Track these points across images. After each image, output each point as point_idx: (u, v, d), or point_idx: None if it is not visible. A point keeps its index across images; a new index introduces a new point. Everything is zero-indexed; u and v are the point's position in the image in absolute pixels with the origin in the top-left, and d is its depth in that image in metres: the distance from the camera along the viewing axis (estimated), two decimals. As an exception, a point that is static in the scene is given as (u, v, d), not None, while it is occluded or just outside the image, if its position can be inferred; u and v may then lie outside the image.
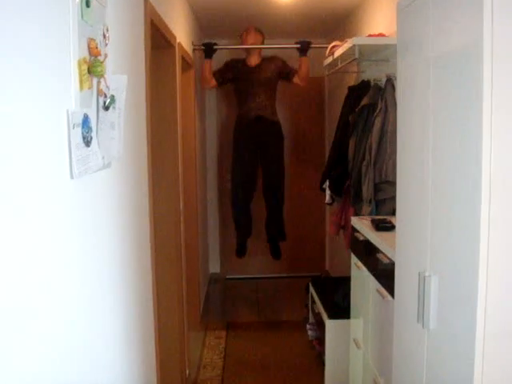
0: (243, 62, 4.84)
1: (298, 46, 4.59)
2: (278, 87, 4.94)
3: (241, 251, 5.09)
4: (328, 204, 4.32)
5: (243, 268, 6.12)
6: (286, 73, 4.80)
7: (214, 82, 4.79)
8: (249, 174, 4.91)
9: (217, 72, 4.80)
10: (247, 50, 4.79)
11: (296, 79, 4.77)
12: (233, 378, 3.83)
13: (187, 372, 3.63)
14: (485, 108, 1.30)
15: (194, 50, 4.43)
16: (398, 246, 2.00)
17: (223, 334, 4.62)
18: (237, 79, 4.83)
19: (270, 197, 4.98)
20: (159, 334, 2.47)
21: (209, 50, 4.57)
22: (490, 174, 1.31)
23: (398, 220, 2.00)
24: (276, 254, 5.08)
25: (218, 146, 6.12)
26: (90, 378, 1.46)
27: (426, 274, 1.64)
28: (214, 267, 6.18)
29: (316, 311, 4.07)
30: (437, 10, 1.60)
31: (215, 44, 4.58)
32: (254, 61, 4.80)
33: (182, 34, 3.64)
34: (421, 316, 1.66)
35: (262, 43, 4.80)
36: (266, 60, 4.83)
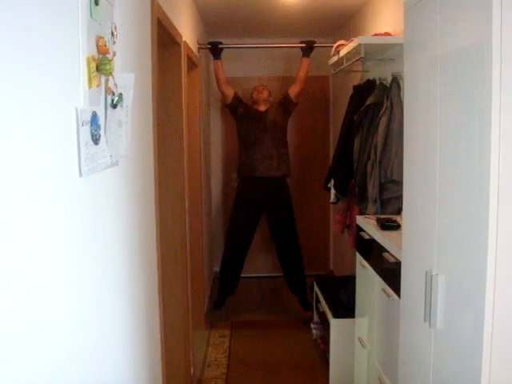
0: (252, 106, 4.81)
1: (303, 45, 4.59)
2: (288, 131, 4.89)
3: (219, 305, 4.95)
4: (333, 203, 4.32)
5: (247, 267, 6.08)
6: (285, 100, 4.75)
7: (230, 90, 4.73)
8: (247, 236, 4.83)
9: (235, 92, 4.77)
10: (253, 99, 4.78)
11: (291, 89, 4.72)
12: (237, 377, 3.83)
13: (192, 370, 3.64)
14: (493, 107, 1.30)
15: (199, 48, 4.43)
16: (404, 245, 1.99)
17: (227, 332, 4.62)
18: (245, 116, 4.74)
19: (284, 253, 4.90)
20: (164, 333, 2.48)
21: (215, 49, 4.57)
22: (499, 173, 1.31)
23: (405, 218, 2.00)
24: (305, 305, 4.91)
25: (224, 145, 6.12)
26: (99, 377, 1.47)
27: (433, 272, 1.64)
28: (219, 266, 6.16)
29: (321, 310, 4.07)
30: (444, 9, 1.59)
31: (221, 43, 4.58)
32: (262, 108, 4.77)
33: (187, 32, 3.65)
34: (427, 315, 1.66)
35: (269, 97, 4.80)
36: (270, 105, 4.81)
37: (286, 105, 4.75)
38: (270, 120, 4.69)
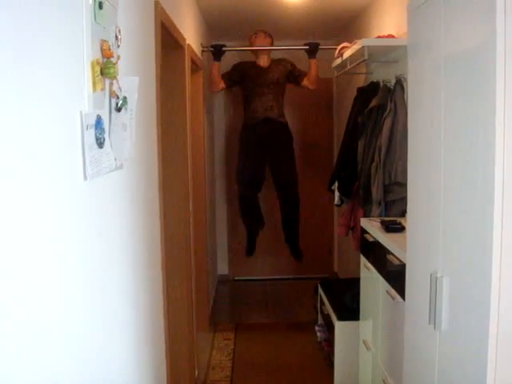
0: (252, 63, 4.84)
1: (307, 47, 4.59)
2: (287, 89, 4.93)
3: (249, 250, 5.10)
4: (337, 205, 4.32)
5: (251, 269, 6.12)
6: (294, 76, 4.80)
7: (222, 85, 4.78)
8: (255, 175, 4.89)
9: (225, 74, 4.80)
10: (256, 52, 4.79)
11: (305, 82, 4.77)
12: (241, 380, 3.83)
13: (196, 373, 3.64)
14: (498, 109, 1.30)
15: (202, 51, 4.44)
16: (409, 247, 1.99)
17: (232, 335, 4.62)
18: (244, 81, 4.82)
19: (284, 199, 4.98)
20: (169, 335, 2.48)
21: (218, 52, 4.58)
22: (503, 174, 1.31)
23: (410, 221, 1.99)
24: (296, 254, 5.11)
25: (227, 147, 6.12)
26: (103, 379, 1.47)
27: (438, 275, 1.63)
28: (223, 269, 6.18)
29: (325, 313, 4.06)
30: (448, 11, 1.59)
31: (224, 46, 4.59)
32: (263, 62, 4.80)
33: (191, 35, 3.65)
34: (432, 317, 1.66)
35: (271, 46, 4.81)
36: (274, 62, 4.83)
37: (293, 77, 4.80)
38: (273, 77, 4.75)
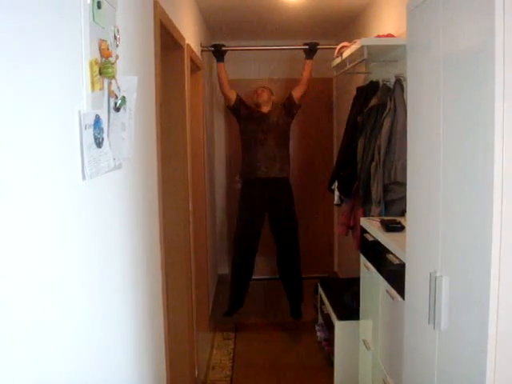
0: (254, 108, 4.81)
1: (306, 47, 4.59)
2: (291, 133, 4.89)
3: (230, 311, 4.87)
4: (336, 205, 4.32)
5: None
6: (288, 101, 4.75)
7: (233, 93, 4.74)
8: (253, 238, 4.81)
9: (238, 94, 4.78)
10: (257, 101, 4.78)
11: (295, 91, 4.71)
12: (241, 379, 3.83)
13: (196, 372, 3.64)
14: (497, 108, 1.30)
15: (202, 51, 4.44)
16: (408, 247, 1.99)
17: (232, 335, 4.62)
18: (246, 121, 4.74)
19: (285, 264, 4.87)
20: (169, 335, 2.48)
21: (218, 52, 4.58)
22: (502, 174, 1.31)
23: (409, 220, 1.99)
24: (295, 314, 4.86)
25: (227, 146, 6.13)
26: (103, 379, 1.47)
27: (437, 274, 1.63)
28: (223, 268, 6.17)
29: (325, 312, 4.06)
30: (447, 10, 1.59)
31: (223, 45, 4.59)
32: (264, 109, 4.77)
33: (190, 35, 3.65)
34: (432, 317, 1.66)
35: (271, 96, 4.80)
36: (273, 106, 4.80)
37: (289, 107, 4.74)
38: (273, 121, 4.68)
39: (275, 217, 4.81)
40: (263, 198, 4.73)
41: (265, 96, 4.74)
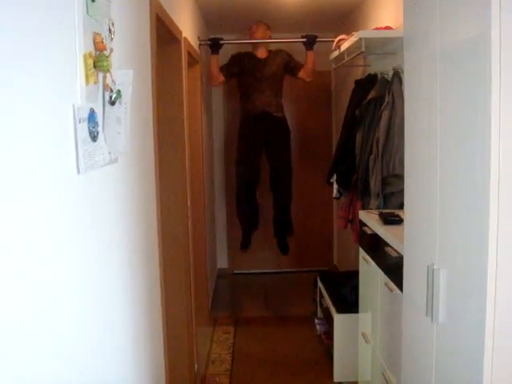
0: (250, 54, 4.81)
1: (305, 39, 4.58)
2: (285, 81, 4.91)
3: (245, 244, 5.06)
4: (335, 198, 4.32)
5: (251, 263, 6.12)
6: (291, 67, 4.78)
7: (222, 78, 4.75)
8: (253, 169, 4.88)
9: (223, 67, 4.77)
10: (254, 43, 4.77)
11: (302, 74, 4.76)
12: (241, 373, 3.83)
13: (196, 367, 3.64)
14: (493, 101, 1.29)
15: (199, 44, 4.42)
16: (406, 240, 1.99)
17: (231, 329, 4.62)
18: (242, 73, 4.79)
19: (277, 192, 4.96)
20: (168, 330, 2.48)
21: (215, 45, 4.56)
22: (499, 166, 1.30)
23: (407, 213, 1.99)
24: (283, 248, 5.05)
25: (225, 141, 6.12)
26: (102, 374, 1.47)
27: (435, 267, 1.63)
28: (222, 262, 6.18)
29: (324, 306, 4.06)
30: (444, 3, 1.58)
31: (221, 39, 4.57)
32: (261, 54, 4.78)
33: (187, 28, 3.64)
34: (429, 309, 1.65)
35: (270, 38, 4.79)
36: (272, 53, 4.81)
37: (289, 68, 4.79)
38: (271, 70, 4.73)
39: (272, 147, 4.88)
40: (261, 129, 4.81)
41: (259, 32, 4.72)
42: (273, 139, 4.84)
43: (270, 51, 4.82)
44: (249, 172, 4.89)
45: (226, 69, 4.77)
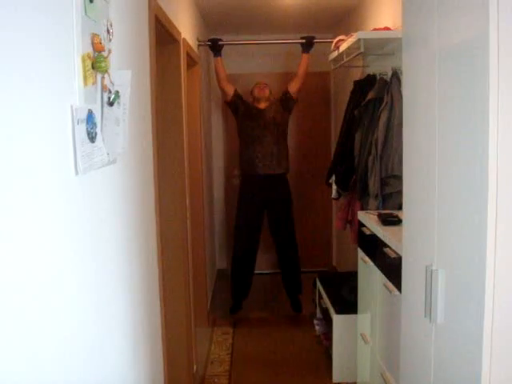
0: (252, 104, 4.80)
1: (303, 41, 4.58)
2: (288, 131, 4.91)
3: (235, 309, 4.95)
4: (334, 199, 4.32)
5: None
6: (284, 93, 4.76)
7: (231, 87, 4.73)
8: (252, 238, 4.84)
9: (236, 89, 4.77)
10: (254, 97, 4.79)
11: (291, 85, 4.73)
12: (240, 374, 3.83)
13: (195, 368, 3.64)
14: (491, 101, 1.29)
15: (198, 45, 4.42)
16: (404, 240, 1.99)
17: (230, 329, 4.62)
18: (244, 118, 4.74)
19: (283, 256, 4.90)
20: (166, 331, 2.48)
21: (215, 46, 4.56)
22: (497, 166, 1.30)
23: (405, 214, 1.99)
24: (296, 307, 4.94)
25: (225, 141, 6.12)
26: (100, 374, 1.47)
27: (433, 267, 1.63)
28: (221, 263, 6.18)
29: (323, 306, 4.06)
30: (442, 4, 1.58)
31: (220, 40, 4.57)
32: (261, 106, 4.76)
33: (186, 29, 3.64)
34: (428, 310, 1.65)
35: (270, 94, 4.81)
36: (270, 102, 4.80)
37: (285, 102, 4.74)
38: (270, 117, 4.68)
39: (273, 213, 4.84)
40: (261, 194, 4.75)
41: (266, 92, 4.76)
42: (274, 203, 4.80)
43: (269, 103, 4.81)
44: (248, 240, 4.84)
45: (236, 90, 4.76)
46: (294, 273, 4.90)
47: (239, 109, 4.75)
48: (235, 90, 4.74)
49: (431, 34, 1.67)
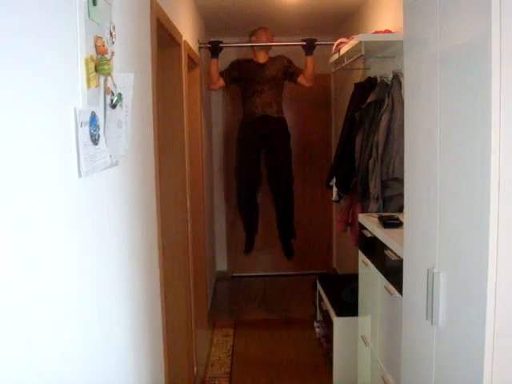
0: (250, 60, 4.83)
1: (304, 43, 4.58)
2: (285, 86, 4.92)
3: (249, 247, 5.07)
4: (335, 201, 4.32)
5: (250, 266, 6.12)
6: (290, 72, 4.79)
7: (221, 82, 4.75)
8: (253, 172, 4.89)
9: (224, 72, 4.78)
10: (255, 48, 4.78)
11: (301, 79, 4.77)
12: (240, 376, 3.83)
13: (195, 370, 3.64)
14: (493, 104, 1.29)
15: (199, 48, 4.42)
16: (406, 243, 1.99)
17: (231, 331, 4.62)
18: (243, 79, 4.80)
19: (278, 196, 4.96)
20: (167, 333, 2.48)
21: (215, 49, 4.56)
22: (499, 170, 1.31)
23: (407, 216, 1.99)
24: (288, 252, 5.07)
25: (225, 144, 6.12)
26: (101, 376, 1.47)
27: (435, 270, 1.63)
28: (221, 265, 6.18)
29: (324, 309, 4.06)
30: (444, 6, 1.59)
31: (221, 42, 4.57)
32: (261, 59, 4.78)
33: (187, 32, 3.64)
34: (429, 313, 1.66)
35: (270, 39, 4.79)
36: (271, 59, 4.82)
37: (288, 74, 4.81)
38: (271, 74, 4.74)
39: (272, 155, 4.89)
40: (260, 133, 4.82)
41: (264, 36, 4.74)
42: (272, 141, 4.85)
43: (270, 57, 4.83)
44: (248, 175, 4.90)
45: (226, 73, 4.78)
46: (288, 216, 4.98)
47: (237, 78, 4.82)
48: (225, 78, 4.77)
49: (433, 36, 1.68)
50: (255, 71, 4.75)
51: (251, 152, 4.86)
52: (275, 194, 4.98)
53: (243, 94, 4.88)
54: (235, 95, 5.21)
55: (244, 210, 5.02)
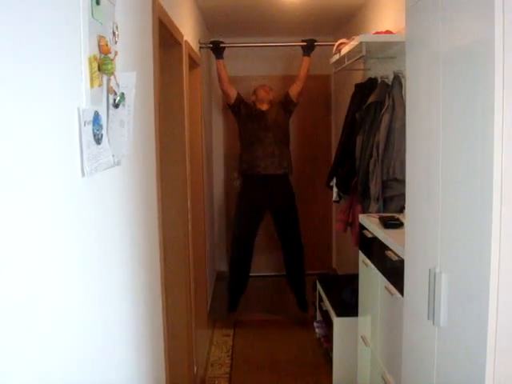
0: (253, 106, 4.79)
1: (304, 43, 4.58)
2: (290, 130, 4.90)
3: (233, 307, 4.90)
4: (335, 202, 4.32)
5: (251, 266, 6.11)
6: (284, 96, 4.77)
7: (233, 90, 4.71)
8: (250, 235, 4.82)
9: (239, 93, 4.76)
10: (257, 98, 4.77)
11: (292, 88, 4.72)
12: (240, 376, 3.83)
13: (195, 369, 3.64)
14: (496, 105, 1.30)
15: (200, 48, 4.43)
16: (407, 243, 1.99)
17: (230, 331, 4.62)
18: (245, 119, 4.73)
19: (290, 256, 4.87)
20: (168, 332, 2.48)
21: (217, 49, 4.56)
22: (502, 170, 1.31)
23: (408, 216, 1.99)
24: (302, 305, 4.91)
25: (225, 143, 6.12)
26: (102, 376, 1.47)
27: (437, 270, 1.63)
28: (221, 265, 6.18)
29: (323, 309, 4.06)
30: (446, 7, 1.59)
31: (222, 42, 4.58)
32: (263, 107, 4.76)
33: (188, 32, 3.65)
34: (431, 313, 1.66)
35: (272, 98, 4.81)
36: (271, 105, 4.80)
37: (286, 104, 4.74)
38: (272, 119, 4.68)
39: (277, 214, 4.81)
40: (262, 194, 4.73)
41: (270, 95, 4.76)
42: (276, 203, 4.77)
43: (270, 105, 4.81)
44: (244, 239, 4.82)
45: (239, 93, 4.75)
46: (300, 273, 4.89)
47: (241, 111, 4.74)
48: (238, 93, 4.73)
49: (435, 36, 1.68)
50: (258, 116, 4.70)
51: (250, 216, 4.78)
52: (286, 255, 4.90)
53: (242, 142, 4.79)
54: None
55: (234, 270, 4.89)
